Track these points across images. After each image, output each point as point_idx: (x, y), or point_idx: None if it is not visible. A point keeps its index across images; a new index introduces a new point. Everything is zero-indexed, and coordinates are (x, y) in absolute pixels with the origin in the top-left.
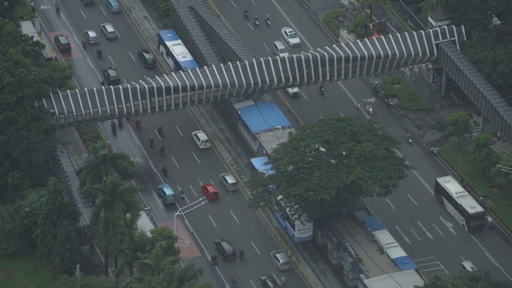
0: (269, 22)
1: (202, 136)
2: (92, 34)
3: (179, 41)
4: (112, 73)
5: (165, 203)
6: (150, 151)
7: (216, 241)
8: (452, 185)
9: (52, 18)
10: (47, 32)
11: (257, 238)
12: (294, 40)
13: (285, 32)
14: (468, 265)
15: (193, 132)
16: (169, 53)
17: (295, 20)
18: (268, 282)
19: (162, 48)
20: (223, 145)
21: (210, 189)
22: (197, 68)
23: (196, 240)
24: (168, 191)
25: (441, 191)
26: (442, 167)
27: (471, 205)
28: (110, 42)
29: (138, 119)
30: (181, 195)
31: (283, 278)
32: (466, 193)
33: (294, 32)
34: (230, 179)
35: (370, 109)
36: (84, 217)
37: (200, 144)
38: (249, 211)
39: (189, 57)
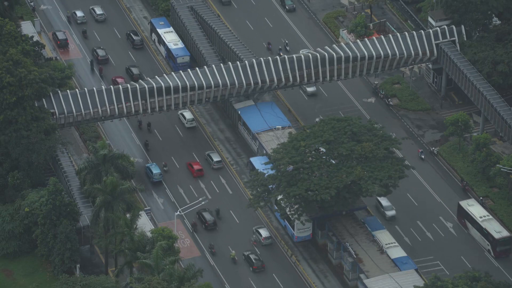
0: (288, 48)
1: (188, 115)
2: (79, 13)
3: (171, 28)
4: (101, 52)
5: (152, 181)
6: (150, 151)
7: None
8: (476, 209)
9: (52, 18)
10: (47, 32)
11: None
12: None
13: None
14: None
15: (179, 112)
16: (160, 40)
17: (294, 19)
18: (251, 256)
19: (154, 36)
20: (223, 145)
21: (195, 166)
22: (197, 68)
23: (196, 240)
24: (155, 169)
25: (464, 215)
26: (442, 167)
27: (497, 230)
28: (98, 23)
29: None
30: (164, 168)
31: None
32: (490, 216)
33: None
34: (215, 157)
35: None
36: (84, 217)
37: (186, 123)
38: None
39: (180, 45)
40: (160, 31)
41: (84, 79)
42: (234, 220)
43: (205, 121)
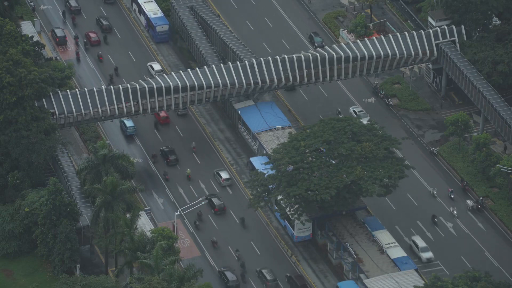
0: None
1: (157, 66)
2: None
3: None
4: (73, 3)
5: (125, 135)
6: (150, 150)
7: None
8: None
9: (52, 18)
10: (47, 32)
11: (257, 238)
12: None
13: (354, 111)
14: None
15: (148, 63)
16: (141, 10)
17: (294, 19)
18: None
19: (134, 6)
20: (223, 145)
21: (162, 113)
22: (197, 68)
23: (196, 240)
24: (129, 123)
25: None
26: (442, 167)
27: None
28: None
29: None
30: (166, 176)
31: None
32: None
33: (364, 111)
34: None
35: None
36: (84, 217)
37: (154, 74)
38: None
39: (160, 14)
40: (140, 1)
41: (84, 79)
42: (234, 220)
43: (205, 121)
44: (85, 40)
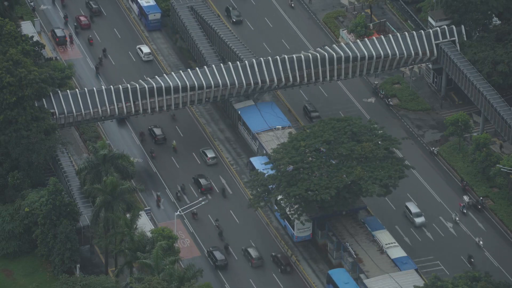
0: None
1: (145, 49)
2: None
3: None
4: None
5: (118, 120)
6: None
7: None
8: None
9: (52, 18)
10: (47, 32)
11: (257, 237)
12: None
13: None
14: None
15: (137, 46)
16: None
17: (294, 19)
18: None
19: None
20: (223, 145)
21: None
22: (197, 68)
23: (196, 240)
24: None
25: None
26: (442, 167)
27: None
28: None
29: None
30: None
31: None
32: None
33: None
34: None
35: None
36: (84, 217)
37: (143, 57)
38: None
39: (152, 2)
40: None
41: (84, 79)
42: (234, 220)
43: (205, 121)
44: (75, 24)
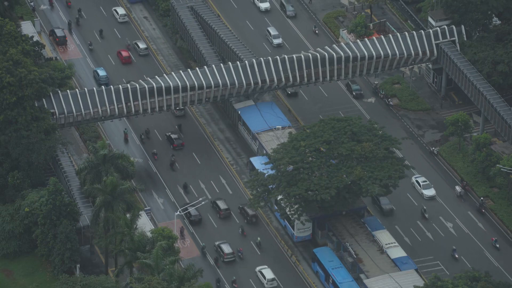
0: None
1: (121, 10)
2: None
3: None
4: None
5: (99, 83)
6: (150, 150)
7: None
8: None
9: (52, 18)
10: (47, 32)
11: (257, 238)
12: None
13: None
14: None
15: (113, 8)
16: None
17: (294, 19)
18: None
19: None
20: (223, 145)
21: (124, 53)
22: (197, 68)
23: (196, 240)
24: (102, 72)
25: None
26: (442, 167)
27: None
28: None
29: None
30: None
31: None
32: None
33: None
34: (141, 45)
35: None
36: (84, 217)
37: (119, 18)
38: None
39: None
40: None
41: (84, 79)
42: (234, 220)
43: (205, 121)
44: None
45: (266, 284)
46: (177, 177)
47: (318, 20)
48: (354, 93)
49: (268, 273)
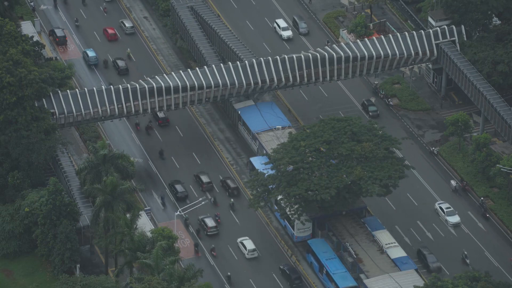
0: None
1: (128, 23)
2: None
3: None
4: None
5: (88, 64)
6: (150, 151)
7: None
8: None
9: (52, 18)
10: (47, 32)
11: (257, 238)
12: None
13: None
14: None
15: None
16: None
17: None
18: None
19: None
20: (223, 145)
21: (110, 31)
22: (197, 68)
23: (196, 240)
24: (91, 53)
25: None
26: (442, 167)
27: None
28: None
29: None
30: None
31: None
32: None
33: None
34: (127, 23)
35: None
36: (84, 217)
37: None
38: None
39: None
40: None
41: (84, 79)
42: (234, 221)
43: (205, 121)
44: None
45: (247, 254)
46: (177, 177)
47: (318, 20)
48: (370, 113)
49: (249, 244)
